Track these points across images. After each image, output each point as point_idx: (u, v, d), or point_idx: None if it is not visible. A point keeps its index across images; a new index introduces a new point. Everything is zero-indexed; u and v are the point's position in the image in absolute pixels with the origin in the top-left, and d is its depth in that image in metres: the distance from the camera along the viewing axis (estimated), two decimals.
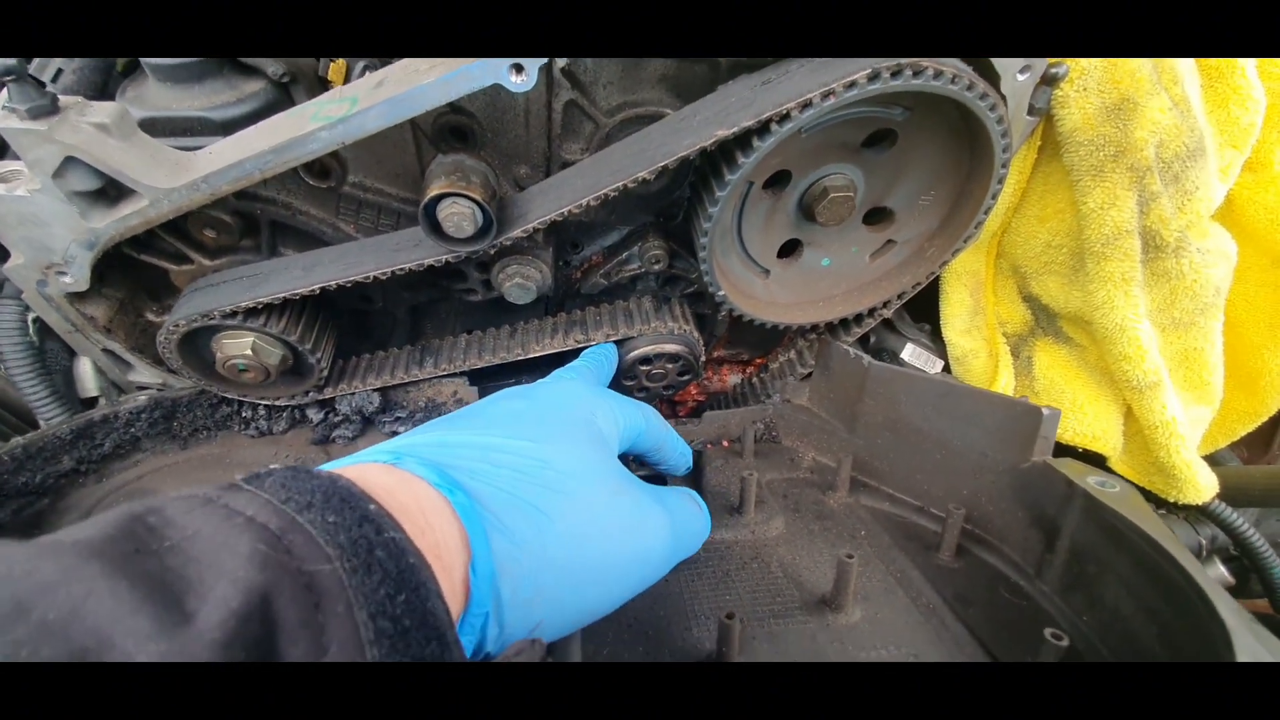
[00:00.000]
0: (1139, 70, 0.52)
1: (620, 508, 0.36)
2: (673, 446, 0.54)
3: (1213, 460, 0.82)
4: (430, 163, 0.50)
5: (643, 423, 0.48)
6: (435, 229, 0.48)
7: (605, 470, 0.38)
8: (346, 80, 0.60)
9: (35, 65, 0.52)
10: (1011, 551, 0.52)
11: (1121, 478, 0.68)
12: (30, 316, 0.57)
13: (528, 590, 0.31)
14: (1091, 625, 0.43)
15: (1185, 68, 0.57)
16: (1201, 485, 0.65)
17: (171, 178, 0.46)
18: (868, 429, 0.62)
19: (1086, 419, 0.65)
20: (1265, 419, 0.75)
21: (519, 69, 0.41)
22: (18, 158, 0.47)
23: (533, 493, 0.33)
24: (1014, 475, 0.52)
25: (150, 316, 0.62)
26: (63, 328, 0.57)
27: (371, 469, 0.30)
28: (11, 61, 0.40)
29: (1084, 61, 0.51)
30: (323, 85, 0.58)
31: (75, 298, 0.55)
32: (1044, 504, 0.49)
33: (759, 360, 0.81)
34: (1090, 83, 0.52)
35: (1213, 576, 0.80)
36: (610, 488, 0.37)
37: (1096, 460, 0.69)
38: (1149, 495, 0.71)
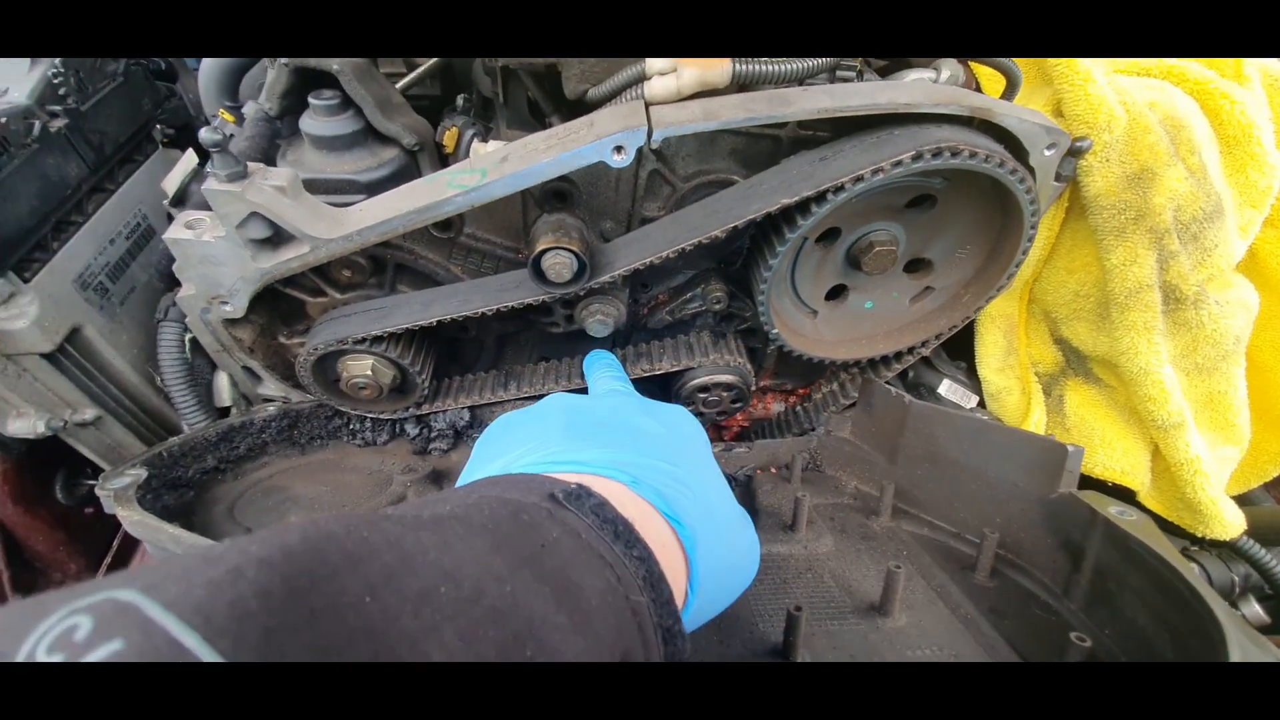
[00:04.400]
0: (1157, 143, 0.59)
1: (745, 531, 0.43)
2: None
3: (1246, 500, 0.85)
4: (535, 220, 0.60)
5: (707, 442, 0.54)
6: (539, 275, 0.57)
7: (729, 491, 0.44)
8: (457, 145, 0.71)
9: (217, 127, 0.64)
10: (1041, 574, 0.58)
11: (1150, 512, 0.73)
12: (187, 337, 0.68)
13: (707, 604, 0.37)
14: (1112, 636, 0.48)
15: (1203, 136, 0.63)
16: (1228, 521, 0.69)
17: (330, 230, 0.56)
18: (908, 460, 0.68)
19: (1116, 455, 0.70)
20: None
21: (620, 149, 0.50)
22: (199, 209, 0.59)
23: (712, 523, 0.39)
24: (1043, 505, 0.57)
25: (283, 339, 0.72)
26: (213, 347, 0.68)
27: (618, 491, 0.35)
28: (218, 135, 0.50)
29: (1106, 135, 0.58)
30: (440, 150, 0.69)
31: (229, 323, 0.65)
32: (1070, 530, 0.55)
33: (802, 390, 0.88)
34: (1112, 154, 0.59)
35: (1248, 615, 0.82)
36: (740, 513, 0.43)
37: (1126, 495, 0.73)
38: (1179, 531, 0.75)
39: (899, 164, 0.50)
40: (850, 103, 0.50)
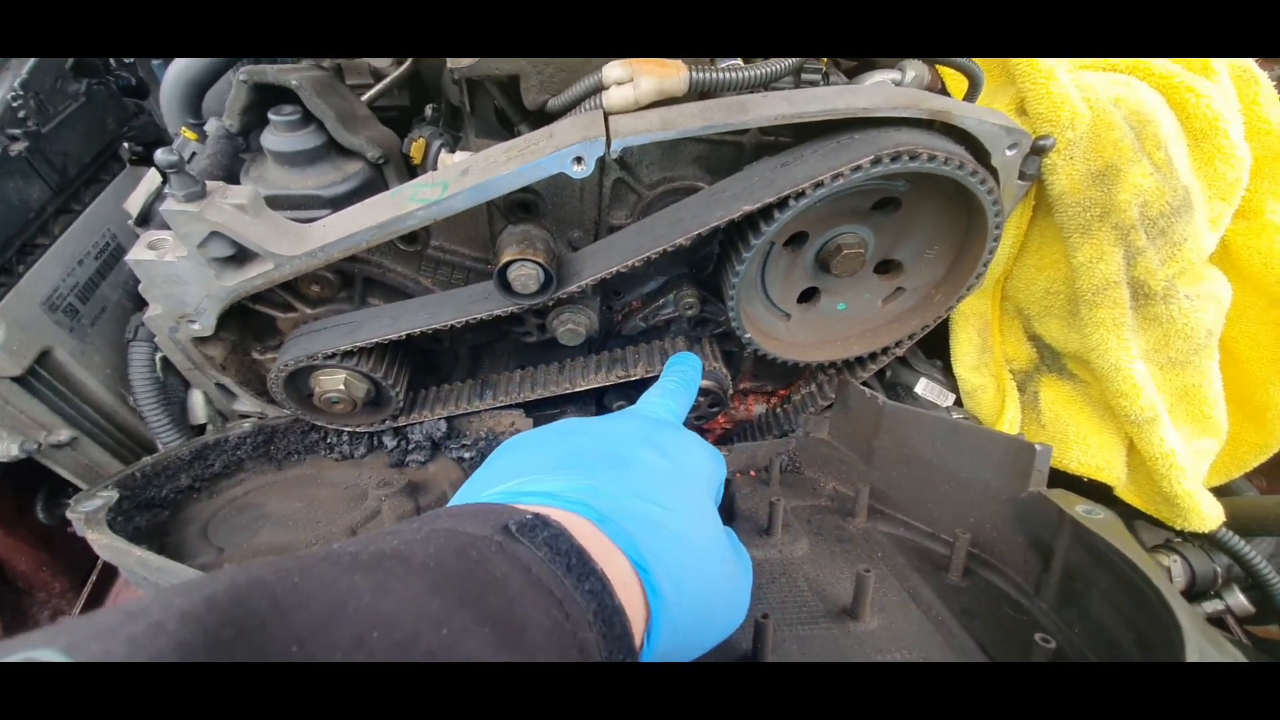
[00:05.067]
0: (1121, 139, 0.59)
1: (732, 574, 0.42)
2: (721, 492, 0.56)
3: (1228, 490, 0.85)
4: (500, 231, 0.59)
5: (722, 475, 0.51)
6: (506, 287, 0.57)
7: (722, 539, 0.42)
8: (424, 156, 0.70)
9: (176, 147, 0.64)
10: (1013, 573, 0.58)
11: (1129, 506, 0.73)
12: (157, 356, 0.68)
13: (672, 651, 0.36)
14: (1081, 635, 0.48)
15: (1169, 131, 0.63)
16: (1205, 514, 0.69)
17: (293, 246, 0.56)
18: (883, 461, 0.68)
19: (1091, 450, 0.70)
20: (1276, 450, 0.78)
21: (579, 160, 0.50)
22: (163, 228, 0.58)
23: (689, 571, 0.37)
24: (1014, 504, 0.57)
25: (255, 355, 0.72)
26: (185, 365, 0.67)
27: (583, 526, 0.34)
28: (174, 157, 0.50)
29: (1069, 133, 0.58)
30: (407, 162, 0.68)
31: (198, 341, 0.65)
32: (1039, 529, 0.55)
33: (782, 391, 0.88)
34: (1076, 151, 0.59)
35: (1233, 605, 0.83)
36: (727, 556, 0.42)
37: (1103, 489, 0.73)
38: (1158, 523, 0.75)
39: (858, 169, 0.50)
40: (808, 109, 0.50)
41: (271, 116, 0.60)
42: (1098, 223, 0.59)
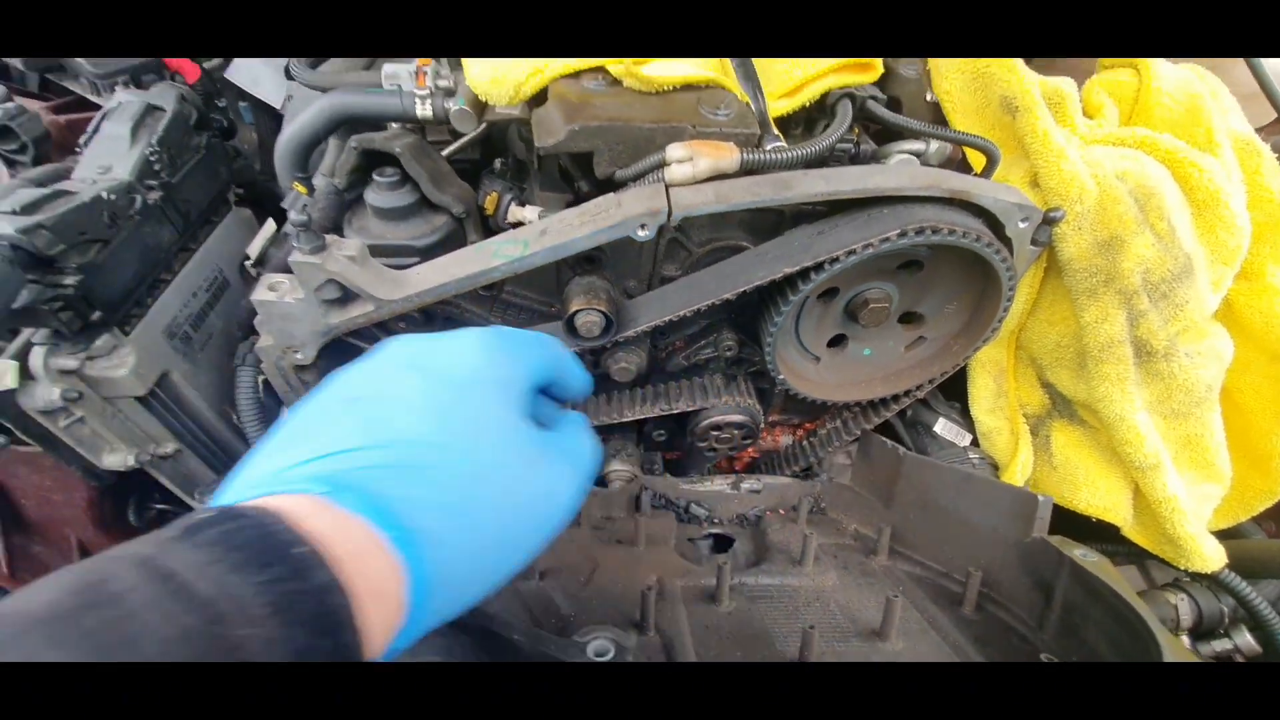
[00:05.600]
0: (1125, 212, 0.65)
1: (536, 479, 0.37)
2: (575, 373, 0.48)
3: (1235, 534, 0.90)
4: (566, 280, 0.68)
5: (548, 357, 0.44)
6: (572, 331, 0.65)
7: (518, 444, 0.37)
8: (496, 208, 0.79)
9: (291, 201, 0.74)
10: (1018, 609, 0.63)
11: (1135, 546, 0.78)
12: (260, 379, 0.77)
13: (460, 586, 0.34)
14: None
15: (1173, 202, 0.69)
16: (1207, 555, 0.74)
17: (392, 291, 0.65)
18: (902, 506, 0.75)
19: (1099, 493, 0.75)
20: None
21: (644, 226, 0.58)
22: (277, 269, 0.68)
23: (461, 497, 0.34)
24: (1019, 548, 0.63)
25: None
26: (284, 389, 0.76)
27: (306, 505, 0.30)
28: (304, 217, 0.59)
29: (1078, 206, 0.65)
30: (480, 213, 0.77)
31: (298, 368, 0.74)
32: (1042, 570, 0.61)
33: (807, 425, 0.95)
34: (1084, 223, 0.65)
35: (1240, 645, 0.86)
36: (525, 459, 0.37)
37: (1110, 529, 0.78)
38: (1164, 564, 0.80)
39: (886, 240, 0.57)
40: (842, 187, 0.58)
41: (375, 178, 0.69)
42: (1103, 287, 0.65)
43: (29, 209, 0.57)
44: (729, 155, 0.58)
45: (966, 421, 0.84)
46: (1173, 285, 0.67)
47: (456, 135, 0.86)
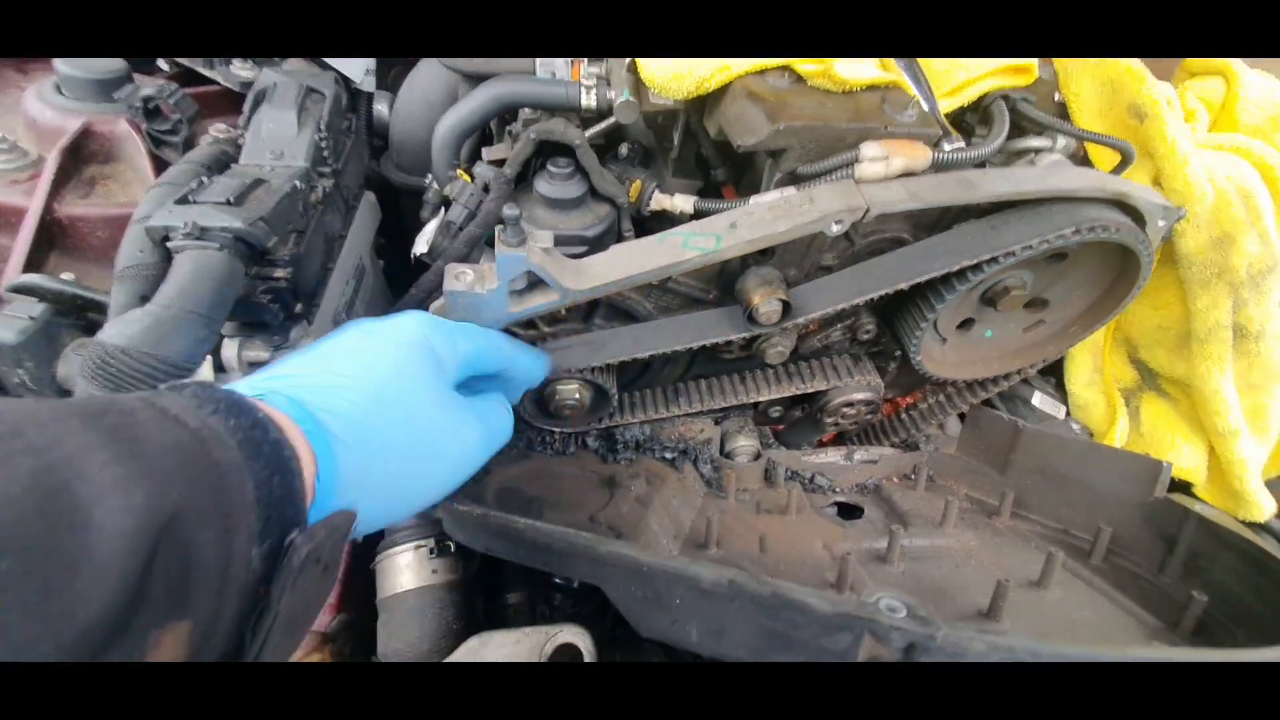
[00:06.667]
0: (1237, 214, 0.73)
1: (443, 423, 0.47)
2: (522, 363, 0.63)
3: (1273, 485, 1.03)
4: (739, 272, 0.71)
5: (484, 347, 0.57)
6: (752, 319, 0.69)
7: (432, 393, 0.48)
8: (639, 196, 0.81)
9: (459, 190, 0.74)
10: (1139, 558, 0.73)
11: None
12: None
13: (362, 482, 0.41)
14: (1210, 599, 0.63)
15: (1265, 203, 0.78)
16: (1264, 506, 0.86)
17: (579, 281, 0.67)
18: (1019, 473, 0.83)
19: (1181, 456, 0.86)
20: None
21: (840, 222, 0.62)
22: (454, 259, 0.69)
23: (370, 414, 0.42)
24: (1143, 508, 0.72)
25: None
26: None
27: (255, 401, 0.37)
28: (516, 211, 0.60)
29: (1198, 207, 0.73)
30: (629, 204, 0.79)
31: None
32: (1165, 525, 0.70)
33: (900, 400, 1.02)
34: (1202, 222, 0.73)
35: None
36: (435, 404, 0.47)
37: (1184, 487, 0.89)
38: None
39: (1061, 235, 0.63)
40: (1025, 188, 0.63)
41: (550, 168, 0.70)
42: (1215, 279, 0.74)
43: (240, 200, 0.57)
44: (922, 155, 0.62)
45: (1060, 395, 0.92)
46: (1265, 277, 0.76)
47: (587, 125, 0.87)
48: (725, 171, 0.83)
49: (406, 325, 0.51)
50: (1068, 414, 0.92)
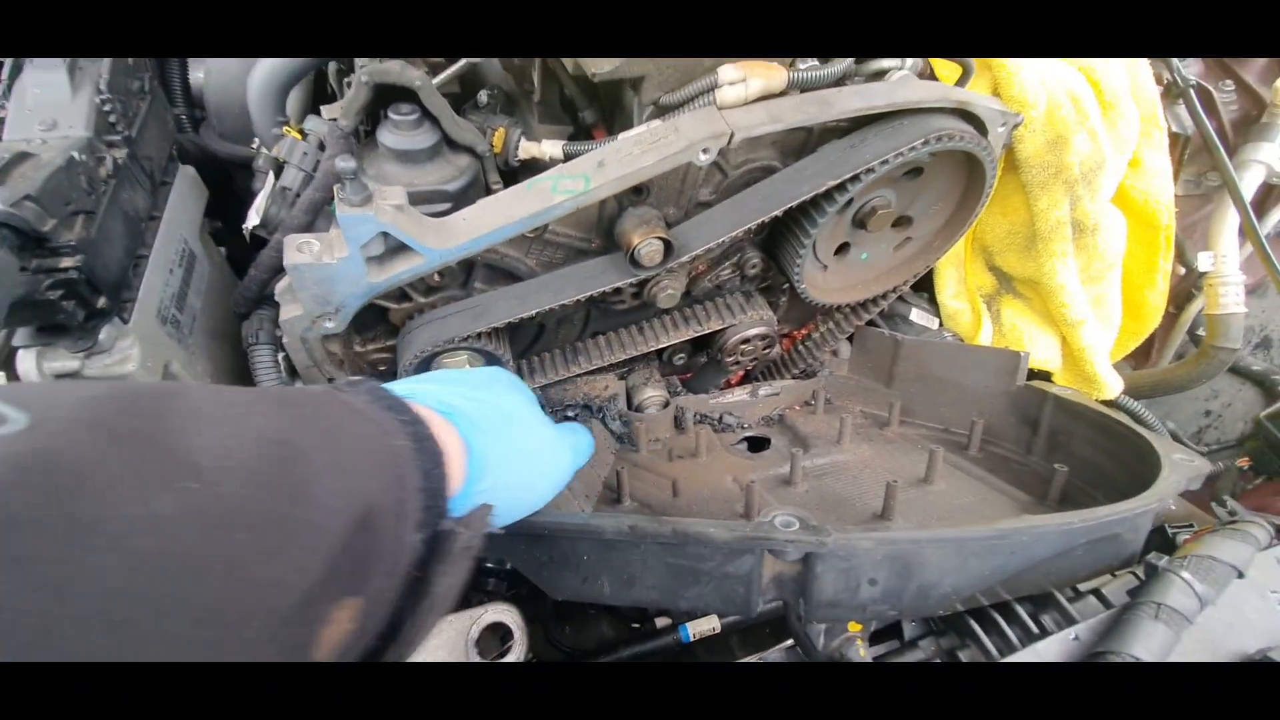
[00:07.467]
0: (1068, 116, 0.79)
1: (548, 437, 0.54)
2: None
3: (1119, 367, 1.16)
4: (614, 215, 0.69)
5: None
6: (635, 262, 0.67)
7: (540, 414, 0.56)
8: (504, 144, 0.76)
9: (287, 148, 0.65)
10: (1008, 444, 0.80)
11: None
12: (280, 356, 0.70)
13: (496, 480, 0.45)
14: (1071, 470, 0.70)
15: (1091, 106, 0.84)
16: (1112, 386, 0.96)
17: (444, 241, 0.62)
18: (903, 383, 0.88)
19: (1037, 348, 0.94)
20: (1145, 337, 1.08)
21: (707, 150, 0.61)
22: (293, 230, 0.61)
23: (501, 424, 0.48)
24: (1007, 396, 0.79)
25: (357, 348, 0.76)
26: (305, 364, 0.70)
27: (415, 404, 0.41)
28: (352, 164, 0.54)
29: (1033, 112, 0.77)
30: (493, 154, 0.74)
31: (326, 339, 0.68)
32: (1027, 409, 0.77)
33: (794, 333, 1.05)
34: (1037, 126, 0.78)
35: None
36: (544, 422, 0.55)
37: (1043, 376, 0.99)
38: None
39: (913, 148, 0.65)
40: (875, 102, 0.64)
41: (391, 116, 0.63)
42: (1052, 179, 0.80)
43: None
44: (779, 75, 0.62)
45: (933, 308, 0.98)
46: (1095, 173, 0.84)
47: (435, 71, 0.79)
48: (593, 113, 0.79)
49: (508, 375, 0.59)
50: (941, 325, 0.98)
